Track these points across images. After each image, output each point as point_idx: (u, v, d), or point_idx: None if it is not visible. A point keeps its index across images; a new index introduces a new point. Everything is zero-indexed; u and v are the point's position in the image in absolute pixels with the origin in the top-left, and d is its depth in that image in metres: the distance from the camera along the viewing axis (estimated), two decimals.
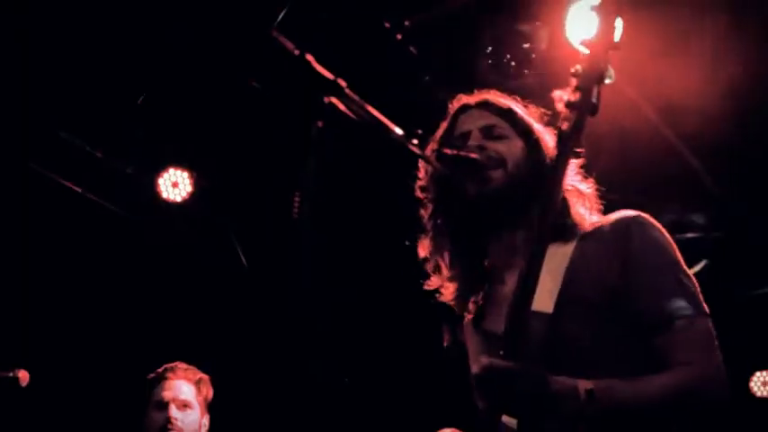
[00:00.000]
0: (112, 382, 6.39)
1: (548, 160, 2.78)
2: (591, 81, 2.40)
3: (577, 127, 2.41)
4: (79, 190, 6.47)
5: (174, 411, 4.59)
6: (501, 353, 2.39)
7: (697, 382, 2.48)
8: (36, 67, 5.47)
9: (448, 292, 2.92)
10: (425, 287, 2.95)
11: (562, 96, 2.44)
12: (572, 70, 2.42)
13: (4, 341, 5.95)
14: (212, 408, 4.84)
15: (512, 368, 2.34)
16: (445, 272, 2.91)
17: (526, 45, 4.80)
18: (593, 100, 2.40)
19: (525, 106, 2.97)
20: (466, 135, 2.86)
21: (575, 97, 2.42)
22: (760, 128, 5.57)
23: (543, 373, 2.38)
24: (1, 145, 6.00)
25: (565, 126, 2.43)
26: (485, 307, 2.87)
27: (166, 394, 4.64)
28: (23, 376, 4.55)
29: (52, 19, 5.12)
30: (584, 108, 2.41)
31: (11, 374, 4.54)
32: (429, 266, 2.94)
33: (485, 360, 2.37)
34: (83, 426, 6.71)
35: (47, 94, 5.72)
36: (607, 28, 2.41)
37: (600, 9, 2.46)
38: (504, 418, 2.48)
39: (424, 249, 2.95)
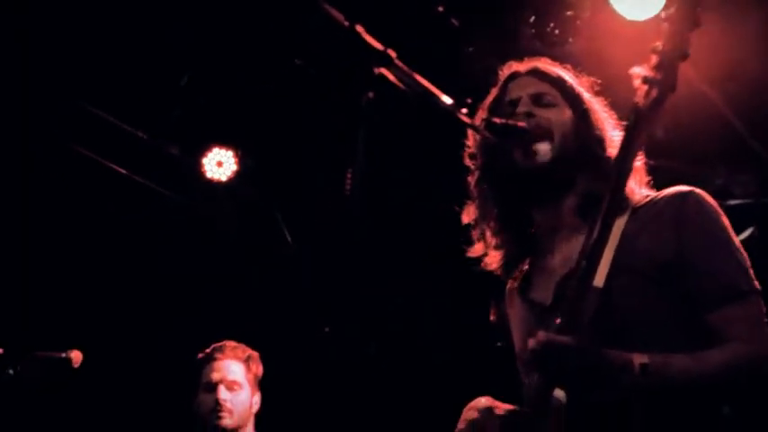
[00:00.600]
0: (163, 364, 6.41)
1: (596, 131, 2.79)
2: (672, 58, 2.36)
3: (657, 104, 2.37)
4: (124, 171, 6.50)
5: (222, 393, 4.59)
6: (556, 326, 2.39)
7: (752, 358, 2.48)
8: (84, 50, 5.48)
9: (493, 260, 2.91)
10: (469, 254, 2.95)
11: (641, 72, 2.39)
12: (652, 47, 2.38)
13: (57, 322, 6.00)
14: (263, 385, 4.84)
15: (569, 343, 2.34)
16: (490, 239, 2.90)
17: (569, 12, 4.74)
18: (674, 77, 2.37)
19: (577, 75, 2.94)
20: (515, 101, 2.85)
21: (655, 74, 2.38)
22: None
23: (599, 348, 2.38)
24: (49, 127, 6.02)
25: (642, 102, 2.39)
26: (531, 276, 2.87)
27: (215, 375, 4.64)
28: (76, 357, 4.59)
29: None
30: (665, 85, 2.36)
31: (63, 355, 4.58)
32: (474, 234, 2.94)
33: (542, 335, 2.37)
34: (135, 407, 6.77)
35: (94, 77, 5.73)
36: (690, 6, 2.37)
37: None
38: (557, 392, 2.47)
39: (468, 216, 2.95)
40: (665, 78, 2.36)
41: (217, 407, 4.57)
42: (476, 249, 2.94)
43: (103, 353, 5.47)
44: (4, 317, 6.05)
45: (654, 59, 2.37)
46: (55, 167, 6.23)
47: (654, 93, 2.37)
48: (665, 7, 2.41)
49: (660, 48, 2.37)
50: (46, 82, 5.67)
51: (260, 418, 4.81)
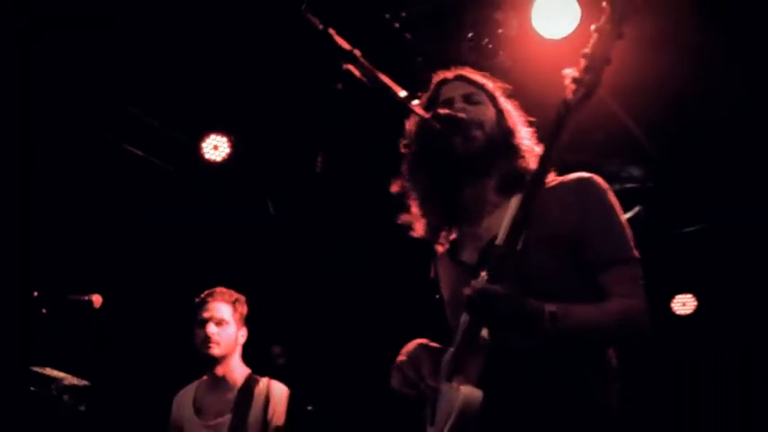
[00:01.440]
0: (168, 307, 6.35)
1: (512, 125, 2.80)
2: (599, 62, 2.33)
3: (584, 99, 2.35)
4: (141, 153, 6.40)
5: (211, 328, 4.59)
6: (484, 278, 2.38)
7: (633, 310, 2.50)
8: (102, 50, 5.36)
9: (420, 227, 2.89)
10: (399, 221, 2.93)
11: (571, 73, 2.36)
12: (583, 52, 2.35)
13: (81, 273, 5.91)
14: (249, 322, 4.80)
15: (498, 290, 2.34)
16: (416, 210, 2.87)
17: (500, 30, 4.71)
18: (599, 78, 2.34)
19: (493, 81, 2.93)
20: (449, 100, 2.83)
21: (583, 75, 2.34)
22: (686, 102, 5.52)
23: (520, 296, 2.37)
24: (74, 115, 5.91)
25: (571, 98, 2.35)
26: (460, 241, 2.84)
27: (206, 314, 4.63)
28: (96, 300, 4.54)
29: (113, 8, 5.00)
30: (592, 84, 2.34)
31: (86, 298, 4.51)
32: (405, 204, 2.90)
33: (477, 282, 2.36)
34: (148, 342, 6.72)
35: (114, 72, 5.62)
36: (616, 19, 2.33)
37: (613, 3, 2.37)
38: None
39: (396, 188, 2.91)
40: (592, 79, 2.34)
41: (206, 339, 4.58)
42: (405, 217, 2.92)
43: (121, 299, 5.41)
44: (39, 266, 5.95)
45: (583, 62, 2.35)
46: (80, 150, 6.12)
47: (582, 90, 2.35)
48: (598, 20, 2.37)
49: (589, 53, 2.34)
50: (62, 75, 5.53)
51: (246, 348, 4.79)
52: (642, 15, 4.39)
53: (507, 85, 2.92)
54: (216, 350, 4.58)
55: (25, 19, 4.97)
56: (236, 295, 4.77)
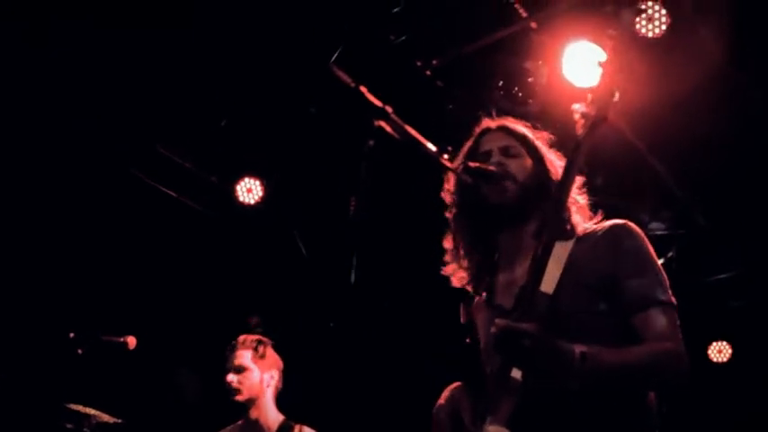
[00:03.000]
0: (204, 354, 6.42)
1: (550, 174, 2.80)
2: (603, 95, 2.38)
3: (591, 132, 2.39)
4: (174, 194, 6.52)
5: (230, 376, 4.67)
6: (512, 318, 2.38)
7: (667, 353, 2.47)
8: (142, 93, 5.51)
9: (461, 277, 2.90)
10: (443, 272, 2.93)
11: (579, 109, 2.41)
12: (589, 88, 2.40)
13: (118, 313, 5.99)
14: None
15: (524, 327, 2.32)
16: (461, 261, 2.89)
17: (530, 79, 4.77)
18: (605, 111, 2.38)
19: (535, 130, 2.95)
20: (488, 153, 2.85)
21: (589, 109, 2.39)
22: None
23: (548, 335, 2.34)
24: (111, 157, 6.04)
25: (580, 132, 2.40)
26: (496, 288, 2.85)
27: (227, 364, 4.73)
28: (131, 341, 4.60)
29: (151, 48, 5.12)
30: (597, 117, 2.39)
31: (122, 339, 4.59)
32: (449, 257, 2.92)
33: (502, 321, 2.35)
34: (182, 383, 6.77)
35: (150, 115, 5.76)
36: (619, 54, 2.39)
37: (613, 41, 2.43)
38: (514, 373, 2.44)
39: (447, 242, 2.93)
40: (597, 112, 2.39)
41: (228, 387, 4.66)
42: (447, 269, 2.93)
43: (156, 340, 5.48)
44: (76, 307, 6.05)
45: (589, 97, 2.40)
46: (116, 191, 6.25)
47: (588, 124, 2.39)
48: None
49: (594, 87, 2.40)
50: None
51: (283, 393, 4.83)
52: (667, 65, 4.43)
53: (550, 135, 2.93)
54: (238, 396, 4.65)
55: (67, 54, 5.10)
56: (257, 340, 4.82)
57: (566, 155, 2.84)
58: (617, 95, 2.41)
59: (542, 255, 2.41)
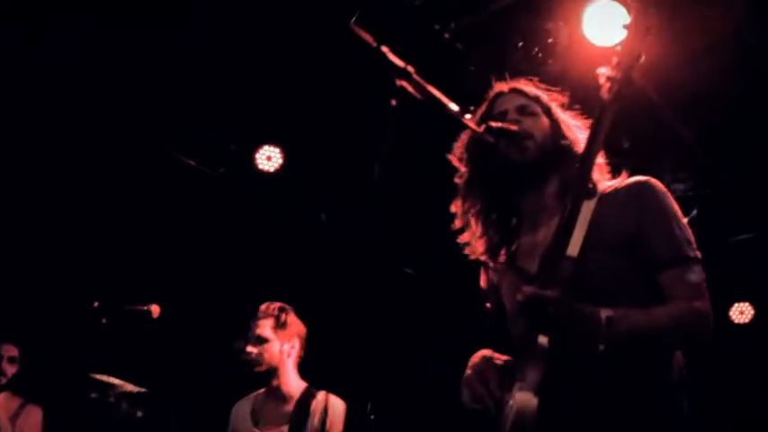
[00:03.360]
0: (227, 322, 6.48)
1: (567, 133, 2.77)
2: (629, 59, 2.34)
3: (617, 96, 2.36)
4: (193, 163, 6.54)
5: (250, 347, 4.70)
6: (537, 284, 2.36)
7: (696, 312, 2.45)
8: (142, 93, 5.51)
9: (478, 246, 2.86)
10: (459, 240, 2.89)
11: (605, 72, 2.38)
12: (615, 49, 2.37)
13: (141, 282, 6.04)
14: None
15: (549, 293, 2.30)
16: (474, 228, 2.86)
17: (550, 40, 4.72)
18: (630, 75, 2.35)
19: (549, 93, 2.92)
20: (504, 113, 2.82)
21: (615, 72, 2.36)
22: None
23: (573, 300, 2.33)
24: (150, 135, 6.08)
25: (605, 96, 2.37)
26: (519, 251, 2.81)
27: (249, 334, 4.74)
28: (155, 310, 4.64)
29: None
30: (623, 81, 2.36)
31: (145, 308, 4.62)
32: (458, 222, 2.88)
33: (527, 288, 2.33)
34: (207, 352, 6.83)
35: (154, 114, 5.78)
36: (643, 15, 2.35)
37: (637, 1, 2.40)
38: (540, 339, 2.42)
39: (456, 207, 2.90)
40: (623, 75, 2.35)
41: (249, 358, 4.68)
42: (463, 237, 2.89)
43: (180, 308, 5.52)
44: (101, 277, 6.11)
45: (614, 60, 2.36)
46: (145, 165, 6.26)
47: (615, 87, 2.36)
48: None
49: (620, 50, 2.36)
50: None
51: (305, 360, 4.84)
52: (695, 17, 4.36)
53: (563, 96, 2.90)
54: (259, 367, 4.67)
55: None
56: (279, 307, 4.82)
57: (587, 116, 2.83)
58: (642, 57, 2.38)
59: (570, 216, 2.39)
